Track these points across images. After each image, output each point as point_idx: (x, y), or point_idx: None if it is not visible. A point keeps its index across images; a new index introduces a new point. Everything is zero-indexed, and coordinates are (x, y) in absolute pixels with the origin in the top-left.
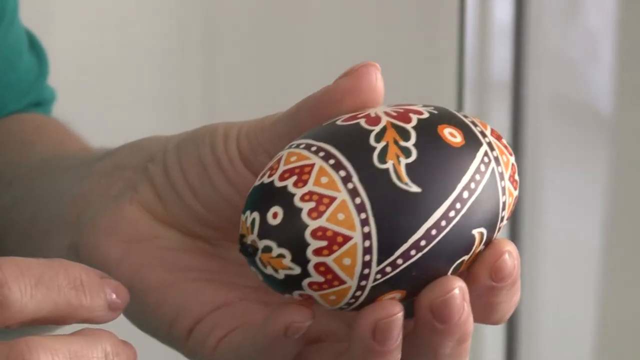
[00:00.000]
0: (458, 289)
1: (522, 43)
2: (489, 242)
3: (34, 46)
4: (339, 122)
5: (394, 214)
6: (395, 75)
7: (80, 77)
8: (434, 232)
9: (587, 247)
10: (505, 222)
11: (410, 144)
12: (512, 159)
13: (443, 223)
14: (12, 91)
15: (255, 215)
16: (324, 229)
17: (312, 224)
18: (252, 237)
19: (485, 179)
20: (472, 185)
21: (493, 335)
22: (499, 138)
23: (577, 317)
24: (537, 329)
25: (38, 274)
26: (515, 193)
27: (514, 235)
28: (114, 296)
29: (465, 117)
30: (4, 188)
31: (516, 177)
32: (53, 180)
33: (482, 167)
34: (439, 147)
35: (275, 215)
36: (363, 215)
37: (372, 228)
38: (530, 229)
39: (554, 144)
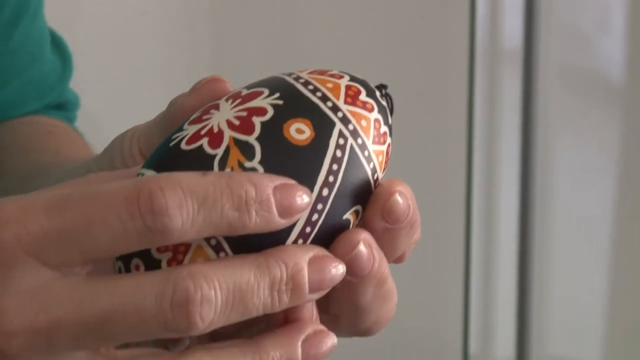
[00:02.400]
0: (362, 242)
1: (533, 12)
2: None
3: (59, 47)
4: (183, 145)
5: (256, 244)
6: (407, 44)
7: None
8: (300, 241)
9: (598, 216)
10: (383, 174)
11: (255, 163)
12: (374, 114)
13: (308, 229)
14: (33, 88)
15: (120, 264)
16: None
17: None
18: None
19: (344, 163)
20: (331, 178)
21: (504, 313)
22: (354, 97)
23: (588, 288)
24: (549, 300)
25: (201, 196)
26: (385, 147)
27: (525, 205)
28: (290, 201)
29: (315, 90)
30: None
31: (382, 129)
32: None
33: (339, 153)
34: (287, 154)
35: (137, 267)
36: (222, 254)
37: None
38: (541, 199)
39: (565, 113)
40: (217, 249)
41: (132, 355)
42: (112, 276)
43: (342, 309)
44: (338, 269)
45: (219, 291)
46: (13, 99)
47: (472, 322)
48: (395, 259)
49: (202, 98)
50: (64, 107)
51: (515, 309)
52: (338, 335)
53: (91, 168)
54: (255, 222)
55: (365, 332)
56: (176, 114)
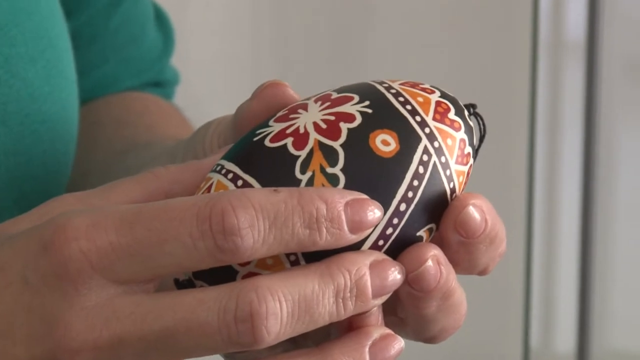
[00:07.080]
0: (430, 259)
1: (597, 3)
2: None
3: (161, 22)
4: (267, 142)
5: (326, 254)
6: (469, 36)
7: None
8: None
9: None
10: (459, 192)
11: (337, 169)
12: (460, 134)
13: (381, 242)
14: (129, 67)
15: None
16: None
17: (242, 271)
18: None
19: (425, 180)
20: (410, 194)
21: (565, 306)
22: (443, 115)
23: None
24: (611, 293)
25: (273, 214)
26: (466, 168)
27: (587, 197)
28: (361, 217)
29: (405, 102)
30: (85, 172)
31: (466, 150)
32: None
33: (421, 169)
34: (370, 164)
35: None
36: (292, 258)
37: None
38: (603, 190)
39: (628, 105)
40: (289, 255)
41: None
42: (175, 292)
43: (407, 315)
44: (398, 273)
45: (284, 303)
46: (109, 77)
47: (533, 315)
48: (478, 272)
49: (265, 103)
50: (162, 84)
51: (577, 302)
52: (404, 337)
53: (177, 155)
54: (325, 239)
55: (431, 340)
56: (242, 120)
